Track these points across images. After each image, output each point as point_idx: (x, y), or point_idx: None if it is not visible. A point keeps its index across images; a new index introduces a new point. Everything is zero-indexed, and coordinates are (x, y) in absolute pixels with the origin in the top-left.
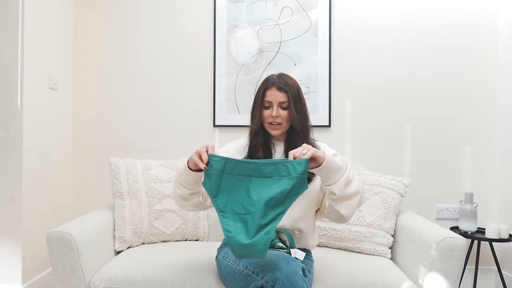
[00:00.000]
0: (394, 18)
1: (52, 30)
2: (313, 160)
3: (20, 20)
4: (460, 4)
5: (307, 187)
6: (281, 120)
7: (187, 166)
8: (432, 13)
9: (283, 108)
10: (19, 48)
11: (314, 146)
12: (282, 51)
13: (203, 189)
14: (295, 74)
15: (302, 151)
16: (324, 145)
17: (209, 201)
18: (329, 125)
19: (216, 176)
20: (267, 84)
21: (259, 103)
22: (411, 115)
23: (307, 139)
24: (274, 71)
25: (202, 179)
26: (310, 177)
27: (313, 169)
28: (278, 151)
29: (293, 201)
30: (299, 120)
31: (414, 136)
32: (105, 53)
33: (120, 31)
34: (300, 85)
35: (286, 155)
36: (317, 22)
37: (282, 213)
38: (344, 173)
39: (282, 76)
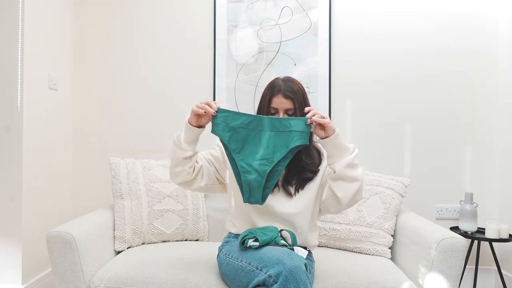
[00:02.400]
0: (394, 19)
1: (52, 30)
2: (323, 130)
3: (20, 20)
4: (461, 7)
5: (308, 143)
6: None
7: (187, 121)
8: (433, 15)
9: (289, 115)
10: (19, 48)
11: (318, 149)
12: (282, 51)
13: (197, 164)
14: (295, 74)
15: (317, 114)
16: None
17: (204, 182)
18: None
19: (226, 127)
20: (273, 91)
21: (265, 109)
22: (411, 115)
23: (310, 145)
24: (274, 71)
25: (198, 140)
26: (310, 177)
27: (320, 140)
28: None
29: (290, 149)
30: None
31: (414, 136)
32: (105, 53)
33: (120, 31)
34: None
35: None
36: (317, 22)
37: (281, 165)
38: (349, 155)
39: (288, 82)
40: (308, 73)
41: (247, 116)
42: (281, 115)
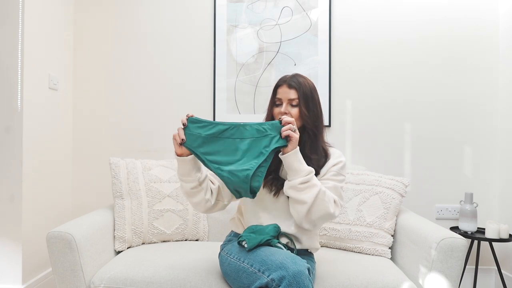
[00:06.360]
0: (394, 17)
1: (52, 30)
2: (288, 143)
3: (20, 20)
4: (460, 10)
5: (286, 144)
6: None
7: (175, 153)
8: (432, 11)
9: (293, 106)
10: (19, 48)
11: (325, 150)
12: (282, 51)
13: (213, 185)
14: None
15: (290, 126)
16: (336, 151)
17: (226, 200)
18: (329, 125)
19: (198, 137)
20: (279, 82)
21: (271, 101)
22: (411, 115)
23: (318, 141)
24: (274, 71)
25: (195, 168)
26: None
27: (280, 155)
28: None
29: (269, 153)
30: (309, 118)
31: (414, 136)
32: (105, 53)
33: (120, 31)
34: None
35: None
36: (317, 22)
37: (263, 166)
38: (295, 179)
39: (295, 75)
40: (308, 73)
41: (222, 124)
42: (284, 105)
